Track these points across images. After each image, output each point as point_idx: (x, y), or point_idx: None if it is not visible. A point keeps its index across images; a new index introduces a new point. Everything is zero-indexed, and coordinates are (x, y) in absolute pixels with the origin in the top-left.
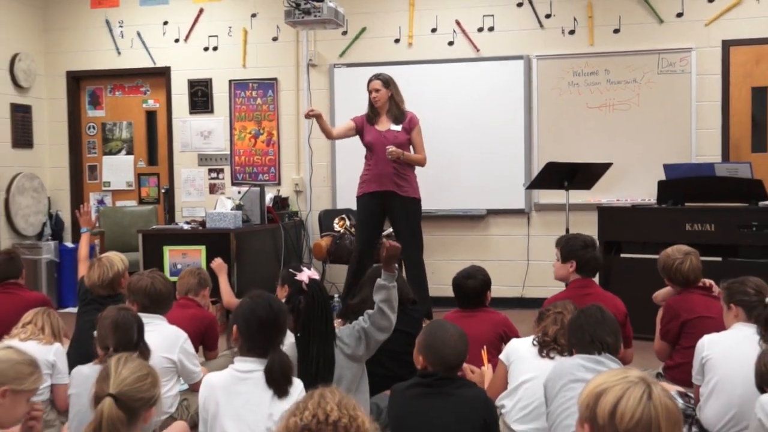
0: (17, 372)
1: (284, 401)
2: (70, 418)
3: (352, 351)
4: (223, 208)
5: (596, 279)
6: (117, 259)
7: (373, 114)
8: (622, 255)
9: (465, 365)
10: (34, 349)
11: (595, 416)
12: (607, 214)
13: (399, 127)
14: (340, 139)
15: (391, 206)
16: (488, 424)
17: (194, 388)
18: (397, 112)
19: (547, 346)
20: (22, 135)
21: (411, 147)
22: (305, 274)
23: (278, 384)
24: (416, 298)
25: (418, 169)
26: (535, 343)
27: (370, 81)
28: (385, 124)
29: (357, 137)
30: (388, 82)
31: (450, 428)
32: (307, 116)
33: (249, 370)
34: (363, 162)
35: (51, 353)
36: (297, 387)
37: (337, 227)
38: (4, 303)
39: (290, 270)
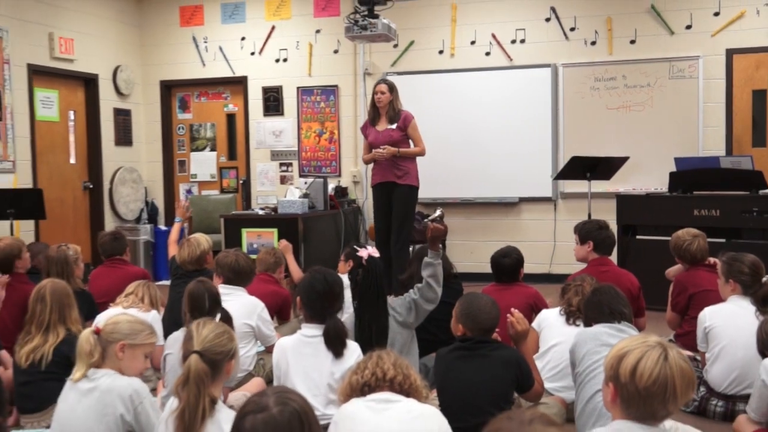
0: (131, 329)
1: (342, 362)
2: (165, 374)
3: (403, 319)
4: (292, 196)
5: (614, 259)
6: (203, 239)
7: (375, 115)
8: (638, 237)
9: (514, 313)
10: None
11: (618, 375)
12: (624, 201)
13: (393, 126)
14: None
15: (392, 193)
16: (520, 380)
17: (269, 350)
18: (393, 114)
19: (572, 315)
20: (123, 135)
21: (410, 141)
22: (365, 252)
23: (334, 346)
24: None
25: (462, 164)
26: (562, 313)
27: (377, 84)
28: (383, 124)
29: None
30: (392, 88)
31: (487, 385)
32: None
33: (312, 335)
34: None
35: (148, 319)
36: (354, 350)
37: None
38: (111, 275)
39: (354, 247)
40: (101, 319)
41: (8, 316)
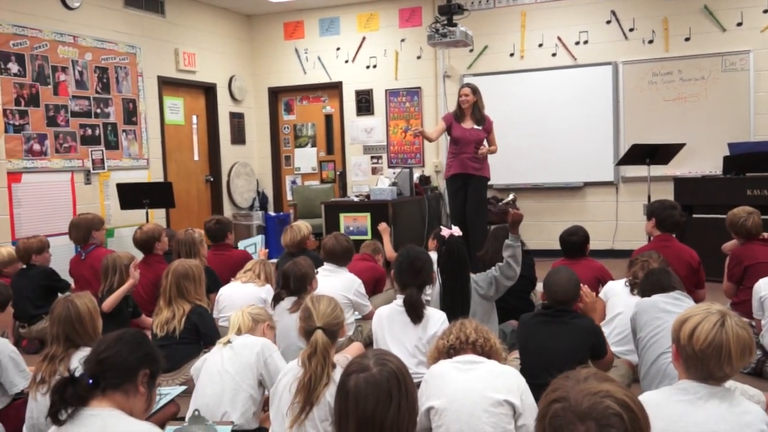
0: (269, 316)
1: (428, 328)
2: (276, 337)
3: (484, 292)
4: (382, 184)
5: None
6: (303, 225)
7: (460, 114)
8: (694, 215)
9: (583, 288)
10: (252, 290)
11: (679, 338)
12: (681, 183)
13: (480, 128)
14: (439, 137)
15: (469, 183)
16: (595, 347)
17: (365, 317)
18: (479, 116)
19: (637, 287)
20: (238, 134)
21: (486, 142)
22: (447, 231)
23: (411, 313)
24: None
25: (532, 153)
26: (626, 284)
27: (461, 87)
28: (469, 123)
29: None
30: (475, 91)
31: (565, 349)
32: (415, 135)
33: (401, 305)
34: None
35: (264, 292)
36: (439, 318)
37: None
38: (219, 260)
39: (441, 227)
40: (224, 293)
41: (143, 290)
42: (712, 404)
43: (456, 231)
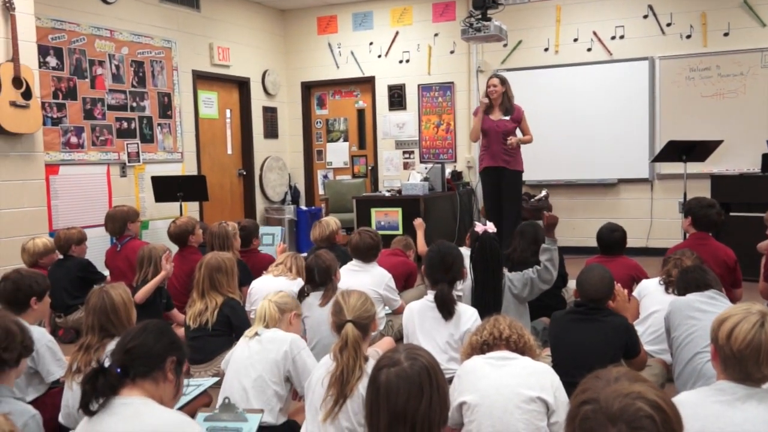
0: (296, 303)
1: (460, 324)
2: (305, 334)
3: (518, 292)
4: (414, 179)
5: None
6: (332, 221)
7: (488, 105)
8: (732, 214)
9: (616, 288)
10: (283, 283)
11: (717, 338)
12: (719, 181)
13: (508, 118)
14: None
15: (502, 176)
16: (629, 346)
17: (396, 312)
18: (508, 105)
19: (671, 285)
20: (271, 129)
21: (519, 131)
22: (481, 228)
23: (441, 309)
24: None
25: (565, 149)
26: (661, 282)
27: (489, 78)
28: (498, 115)
29: None
30: (504, 81)
31: (597, 348)
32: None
33: (432, 300)
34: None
35: (295, 285)
36: (472, 314)
37: None
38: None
39: (475, 223)
40: (255, 286)
41: (178, 282)
42: (750, 405)
43: (490, 227)
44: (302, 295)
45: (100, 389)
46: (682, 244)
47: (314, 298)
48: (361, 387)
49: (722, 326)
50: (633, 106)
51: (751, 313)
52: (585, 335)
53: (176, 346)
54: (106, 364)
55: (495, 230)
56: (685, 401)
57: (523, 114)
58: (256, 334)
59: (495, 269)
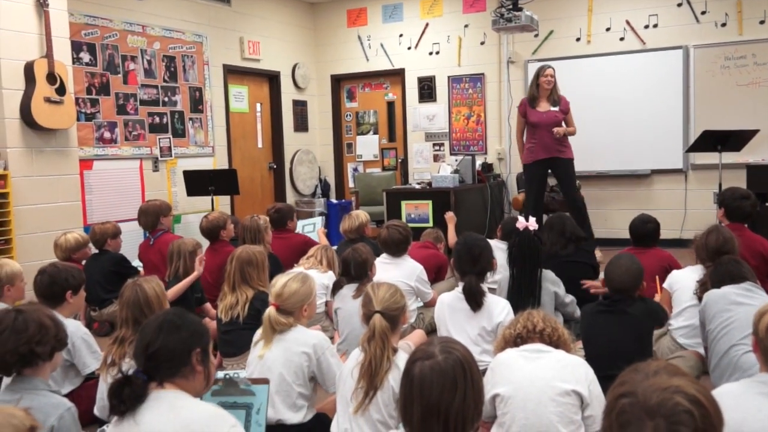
0: (303, 293)
1: (492, 316)
2: (338, 326)
3: (560, 302)
4: (444, 172)
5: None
6: (362, 213)
7: (536, 96)
8: None
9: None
10: (315, 276)
11: (758, 330)
12: (755, 171)
13: (556, 109)
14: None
15: (556, 166)
16: (657, 324)
17: (428, 305)
18: (556, 96)
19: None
20: (300, 122)
21: (564, 122)
22: (522, 224)
23: (469, 300)
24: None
25: (598, 139)
26: (695, 293)
27: (545, 68)
28: (545, 106)
29: None
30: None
31: (626, 339)
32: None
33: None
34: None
35: (326, 278)
36: (504, 307)
37: None
38: (281, 244)
39: (517, 217)
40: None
41: (210, 276)
42: None
43: (532, 224)
44: (338, 287)
45: (126, 400)
46: None
47: (348, 290)
48: (392, 379)
49: (762, 319)
50: (667, 96)
51: None
52: (613, 328)
53: (197, 337)
54: (131, 371)
55: (536, 227)
56: (726, 393)
57: (568, 105)
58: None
59: (533, 267)
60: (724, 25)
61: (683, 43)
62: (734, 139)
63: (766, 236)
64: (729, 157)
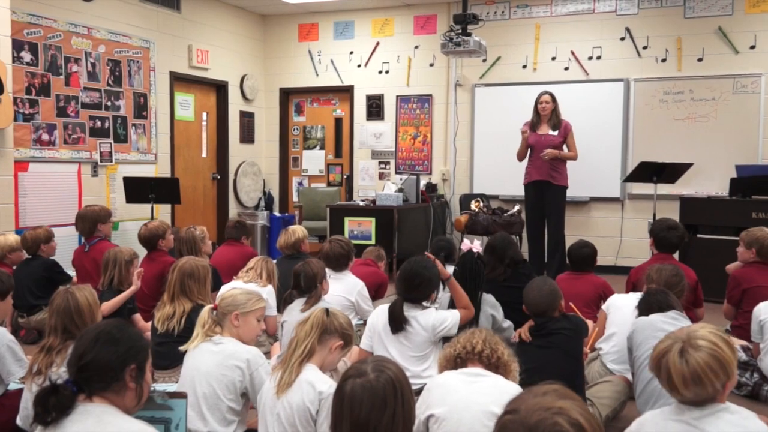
0: (241, 300)
1: (418, 344)
2: (282, 338)
3: (492, 312)
4: (388, 190)
5: (677, 255)
6: (299, 229)
7: (537, 121)
8: (699, 236)
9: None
10: (254, 289)
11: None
12: (687, 203)
13: (555, 133)
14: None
15: (547, 191)
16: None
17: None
18: (556, 121)
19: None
20: (247, 133)
21: (565, 147)
22: (466, 245)
23: (390, 320)
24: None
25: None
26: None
27: (542, 95)
28: (545, 129)
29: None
30: (554, 98)
31: (552, 362)
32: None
33: None
34: (494, 158)
35: (265, 292)
36: (441, 320)
37: (473, 207)
38: (231, 252)
39: (463, 239)
40: (223, 292)
41: (145, 286)
42: (706, 423)
43: (476, 246)
44: (288, 300)
45: (51, 409)
46: (644, 264)
47: (297, 303)
48: (293, 395)
49: (658, 356)
50: (607, 126)
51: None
52: (542, 350)
53: (133, 352)
54: (59, 381)
55: (480, 250)
56: (649, 420)
57: (570, 130)
58: (211, 341)
59: (474, 289)
60: (664, 60)
61: (625, 76)
62: (669, 171)
63: (696, 267)
64: (664, 189)
